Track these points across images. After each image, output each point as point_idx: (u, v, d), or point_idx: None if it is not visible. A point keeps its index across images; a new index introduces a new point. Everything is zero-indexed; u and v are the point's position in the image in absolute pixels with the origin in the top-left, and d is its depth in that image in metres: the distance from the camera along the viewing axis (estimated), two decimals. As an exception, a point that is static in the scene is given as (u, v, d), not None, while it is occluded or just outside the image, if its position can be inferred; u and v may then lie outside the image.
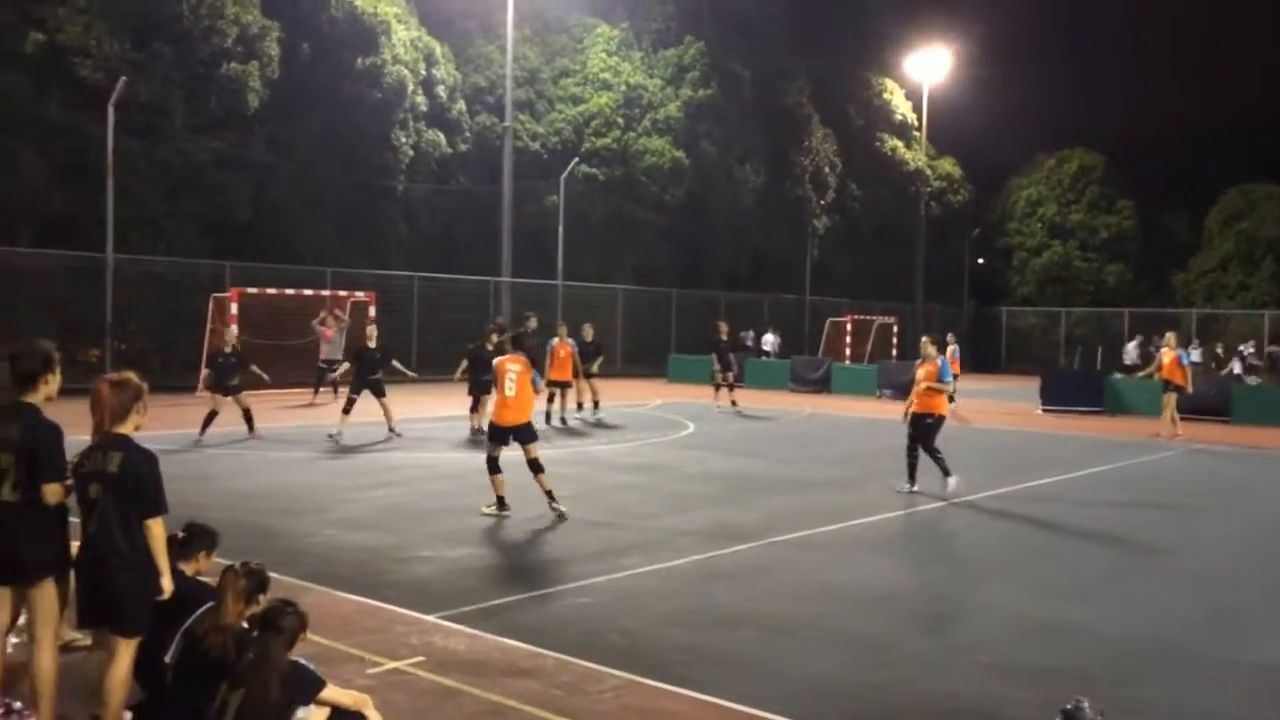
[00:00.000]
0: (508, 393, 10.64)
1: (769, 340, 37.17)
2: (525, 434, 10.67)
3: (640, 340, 35.42)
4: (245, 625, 4.93)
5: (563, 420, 19.02)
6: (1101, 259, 50.80)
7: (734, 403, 22.80)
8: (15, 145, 22.21)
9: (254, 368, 16.84)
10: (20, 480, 4.89)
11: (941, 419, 12.95)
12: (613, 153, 35.07)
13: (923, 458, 12.73)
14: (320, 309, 23.52)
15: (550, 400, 18.91)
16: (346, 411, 16.01)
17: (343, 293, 25.59)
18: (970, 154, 52.98)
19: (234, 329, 15.86)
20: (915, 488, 12.66)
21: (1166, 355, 20.23)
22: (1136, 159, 50.47)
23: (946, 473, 12.57)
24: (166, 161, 24.39)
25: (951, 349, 25.66)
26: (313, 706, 4.61)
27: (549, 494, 10.62)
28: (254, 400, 15.96)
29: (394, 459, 14.46)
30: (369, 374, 16.27)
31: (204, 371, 15.40)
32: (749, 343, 36.91)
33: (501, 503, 10.67)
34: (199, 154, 24.65)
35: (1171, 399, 19.99)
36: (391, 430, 16.29)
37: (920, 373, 12.91)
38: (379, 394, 16.28)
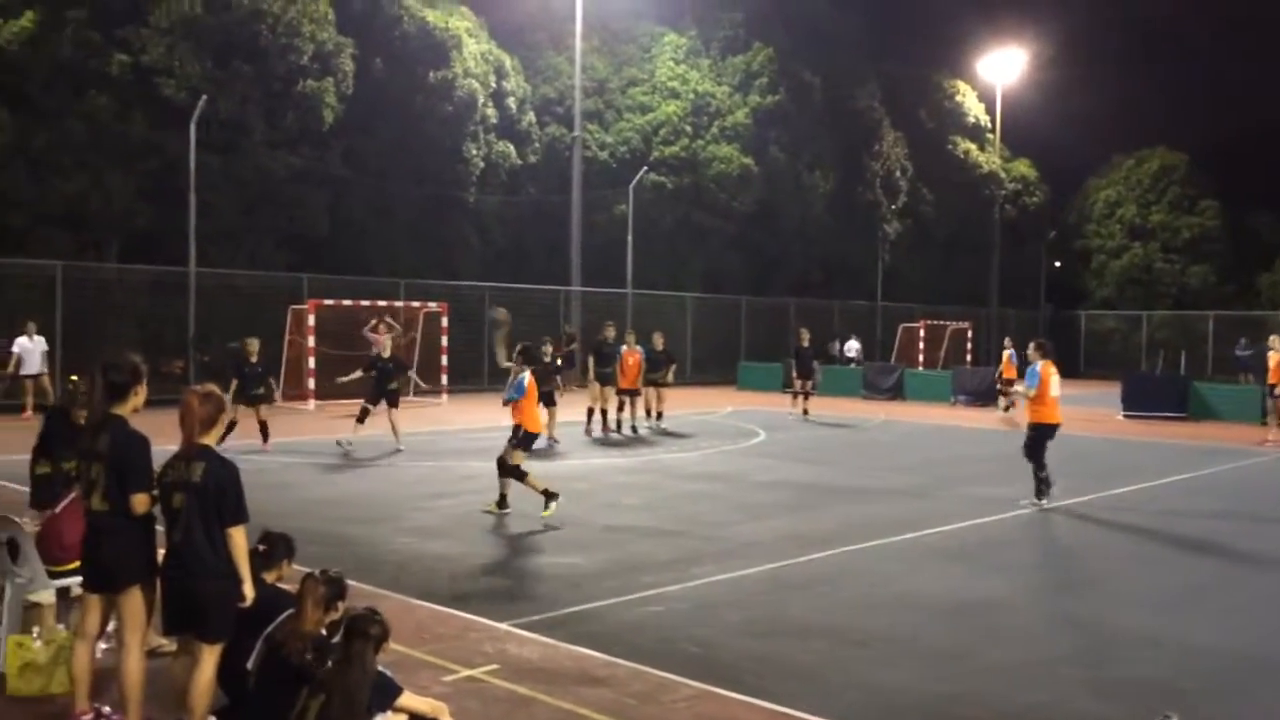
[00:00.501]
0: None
1: (852, 347, 37.02)
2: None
3: (710, 348, 35.34)
4: (324, 632, 5.03)
5: (633, 429, 19.00)
6: (1184, 260, 49.42)
7: (805, 411, 22.63)
8: (102, 164, 22.93)
9: (270, 380, 16.59)
10: (109, 490, 5.04)
11: (1034, 427, 12.37)
12: (681, 161, 35.08)
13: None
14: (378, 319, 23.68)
15: (620, 409, 18.95)
16: (360, 420, 15.80)
17: (415, 304, 25.95)
18: (1046, 155, 51.99)
19: (255, 341, 15.78)
20: (1043, 501, 12.24)
21: (1273, 358, 19.57)
22: (1220, 158, 49.00)
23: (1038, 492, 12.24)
24: (245, 177, 24.98)
25: (1008, 354, 25.37)
26: (390, 713, 4.68)
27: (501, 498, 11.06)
28: (329, 410, 16.24)
29: (466, 468, 14.60)
30: (386, 384, 16.05)
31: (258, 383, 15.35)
32: (836, 351, 36.80)
33: (548, 497, 10.93)
34: (277, 169, 25.20)
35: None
36: (399, 447, 16.00)
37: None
38: (393, 405, 16.06)
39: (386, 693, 4.70)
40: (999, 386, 25.23)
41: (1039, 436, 12.24)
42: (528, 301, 30.42)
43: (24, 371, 19.46)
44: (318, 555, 8.06)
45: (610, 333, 18.87)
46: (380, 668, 4.78)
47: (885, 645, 6.97)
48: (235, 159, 24.57)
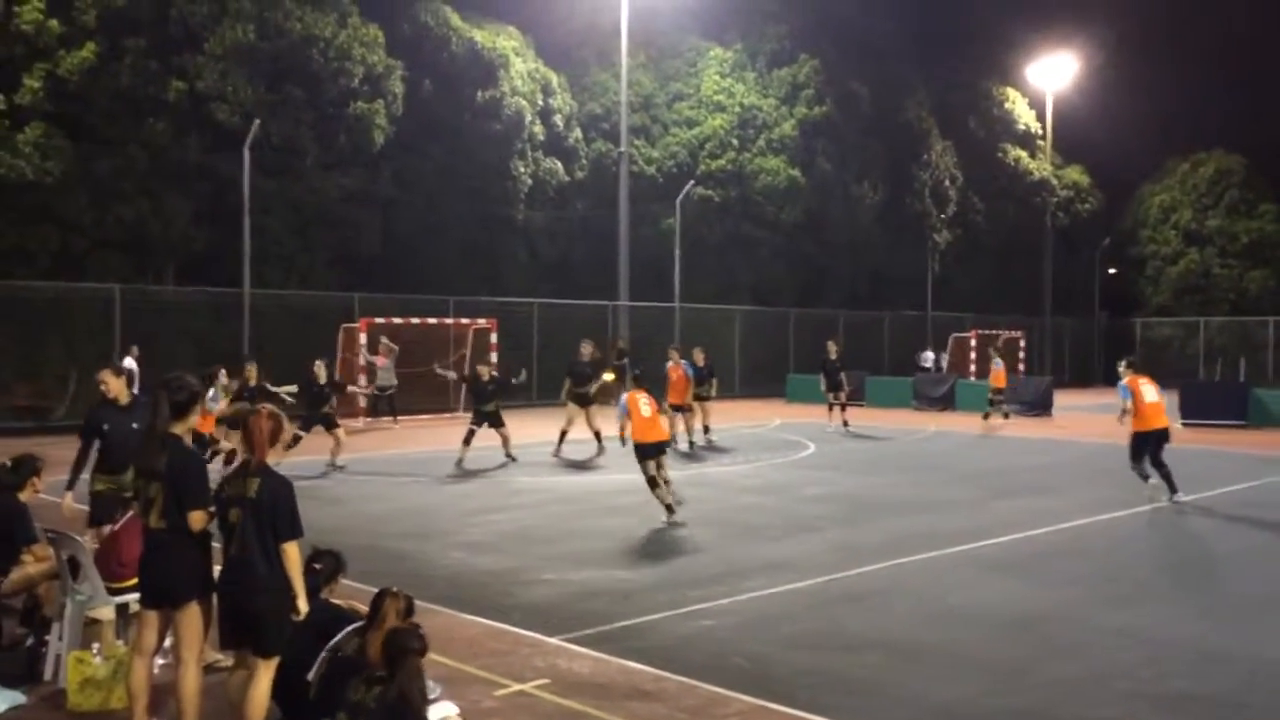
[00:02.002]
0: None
1: (928, 358, 36.83)
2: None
3: (759, 360, 35.21)
4: None
5: (690, 444, 18.87)
6: (1242, 265, 48.41)
7: (845, 423, 22.46)
8: (160, 188, 23.44)
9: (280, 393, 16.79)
10: (167, 508, 5.14)
11: (1134, 435, 13.27)
12: (728, 174, 35.07)
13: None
14: (443, 339, 23.98)
15: (672, 425, 18.86)
16: (467, 442, 16.19)
17: (465, 320, 26.16)
18: (1098, 162, 51.17)
19: (321, 364, 16.20)
20: (1175, 496, 13.00)
21: None
22: (1278, 161, 47.95)
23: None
24: (298, 199, 25.39)
25: (999, 366, 25.27)
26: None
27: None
28: (379, 426, 16.41)
29: (516, 483, 14.67)
30: (484, 406, 16.39)
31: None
32: (926, 364, 36.66)
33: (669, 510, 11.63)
34: (329, 190, 25.59)
35: None
36: (509, 455, 16.44)
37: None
38: (495, 426, 16.35)
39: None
40: (989, 396, 25.12)
41: (1137, 444, 13.18)
42: (576, 317, 30.57)
43: None
44: (370, 571, 8.15)
45: (586, 351, 17.91)
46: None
47: (940, 659, 6.88)
48: (288, 181, 24.98)
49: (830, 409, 22.82)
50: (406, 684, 4.63)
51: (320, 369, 16.19)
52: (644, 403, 11.81)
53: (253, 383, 15.27)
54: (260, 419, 5.19)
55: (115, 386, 7.72)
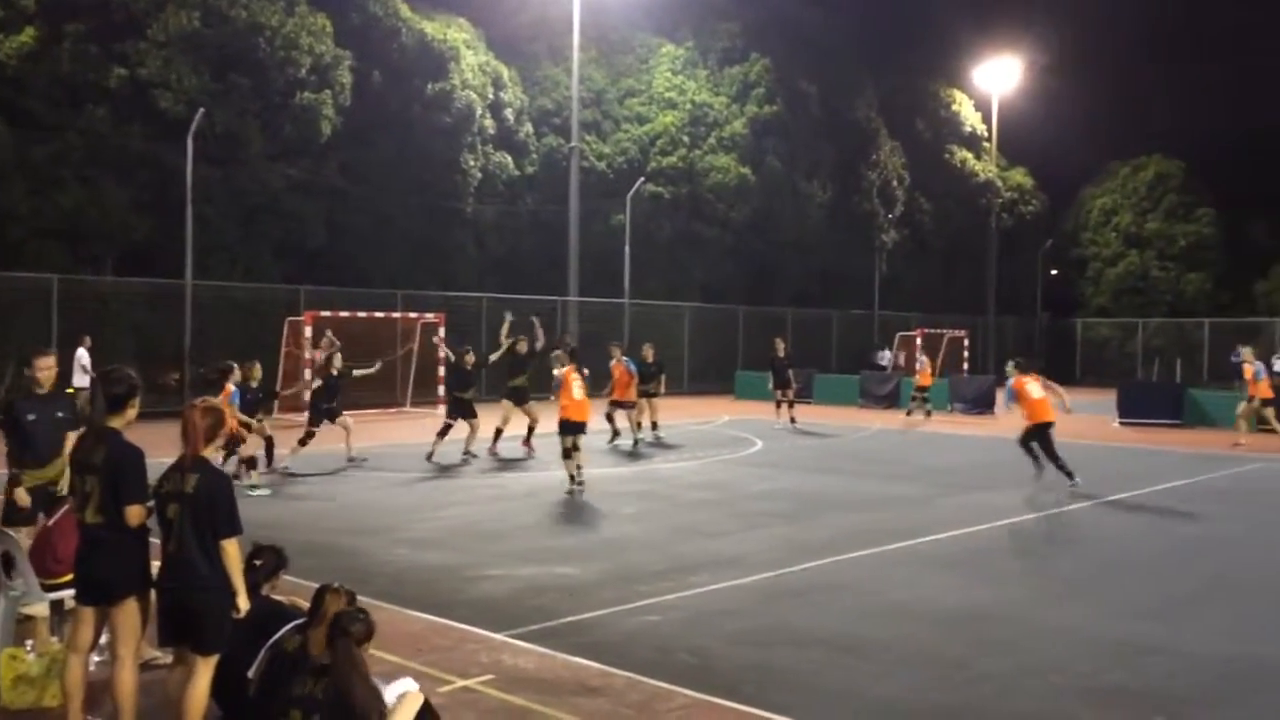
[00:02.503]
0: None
1: (885, 356, 37.20)
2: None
3: (708, 357, 35.37)
4: None
5: (636, 441, 18.81)
6: (1180, 268, 49.53)
7: (793, 419, 22.66)
8: (99, 176, 22.97)
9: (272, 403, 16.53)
10: (104, 502, 5.05)
11: (1026, 428, 14.49)
12: (678, 171, 35.16)
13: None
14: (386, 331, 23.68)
15: (610, 420, 18.87)
16: (441, 435, 16.20)
17: (413, 314, 25.96)
18: (1042, 164, 52.05)
19: (258, 365, 15.76)
20: (1073, 482, 13.94)
21: (1247, 370, 20.51)
22: (1216, 166, 49.04)
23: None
24: (243, 189, 25.02)
25: (924, 365, 26.08)
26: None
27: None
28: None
29: (464, 479, 14.60)
30: (462, 393, 16.44)
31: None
32: (883, 362, 36.97)
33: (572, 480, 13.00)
34: (274, 181, 25.25)
35: (1248, 406, 20.24)
36: (468, 452, 16.34)
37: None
38: (469, 415, 16.36)
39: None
40: (913, 393, 25.89)
41: (1026, 434, 14.37)
42: (525, 311, 30.45)
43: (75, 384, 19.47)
44: (313, 567, 8.07)
45: (523, 347, 17.09)
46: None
47: (881, 654, 6.98)
48: (233, 171, 24.61)
49: (778, 406, 23.00)
50: (344, 670, 4.58)
51: (256, 370, 15.72)
52: (577, 384, 13.21)
53: (255, 383, 14.60)
54: (195, 413, 5.11)
55: (47, 375, 7.36)
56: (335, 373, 15.85)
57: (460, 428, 16.41)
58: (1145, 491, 14.36)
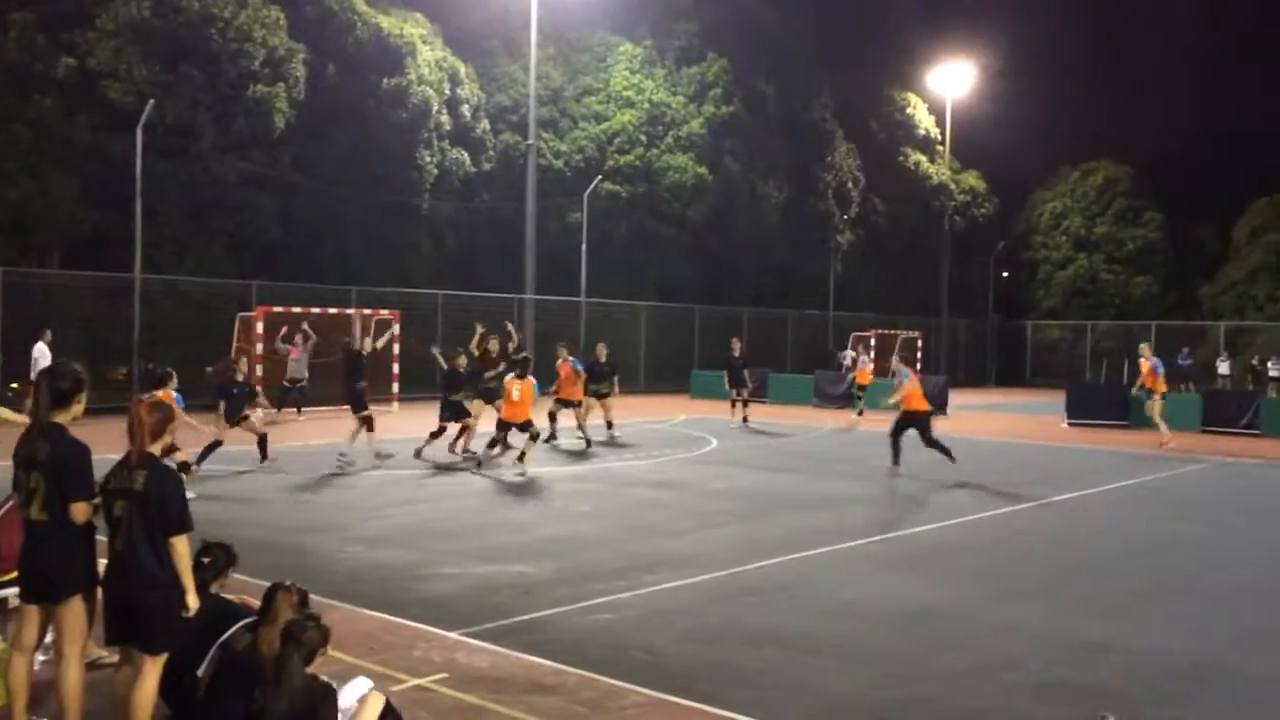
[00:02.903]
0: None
1: (848, 356, 37.46)
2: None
3: (664, 357, 35.43)
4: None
5: (586, 440, 18.71)
6: (1128, 271, 50.44)
7: (745, 419, 22.82)
8: (46, 168, 22.52)
9: (261, 398, 16.47)
10: (49, 499, 4.95)
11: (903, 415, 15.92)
12: (636, 170, 35.18)
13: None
14: (299, 327, 23.12)
15: (553, 419, 18.88)
16: (434, 436, 16.26)
17: (367, 310, 25.73)
18: (994, 167, 52.77)
19: (244, 360, 15.67)
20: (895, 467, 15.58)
21: (1144, 365, 21.10)
22: (1163, 170, 50.04)
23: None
24: (194, 182, 24.66)
25: (867, 364, 27.02)
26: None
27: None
28: (288, 416, 15.99)
29: (417, 477, 14.50)
30: (453, 394, 16.32)
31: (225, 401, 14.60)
32: (846, 361, 37.16)
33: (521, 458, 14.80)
34: (226, 174, 24.91)
35: (1156, 405, 20.74)
36: (468, 451, 16.29)
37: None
38: (461, 416, 16.29)
39: (327, 704, 4.65)
40: (854, 392, 26.57)
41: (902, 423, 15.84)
42: (481, 309, 30.30)
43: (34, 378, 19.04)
44: (266, 565, 7.98)
45: (494, 347, 17.35)
46: (328, 679, 4.75)
47: (835, 652, 7.03)
48: (184, 164, 24.24)
49: (733, 405, 23.10)
50: (288, 681, 4.52)
51: (243, 364, 15.81)
52: (516, 389, 15.13)
53: (241, 377, 14.78)
54: (143, 409, 5.02)
55: None
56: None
57: (453, 429, 16.44)
58: (1093, 491, 14.59)
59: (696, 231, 36.57)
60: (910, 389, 15.67)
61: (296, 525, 10.82)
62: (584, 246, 32.29)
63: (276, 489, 13.15)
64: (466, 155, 31.39)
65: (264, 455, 14.69)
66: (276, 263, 26.40)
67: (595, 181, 32.88)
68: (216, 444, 13.89)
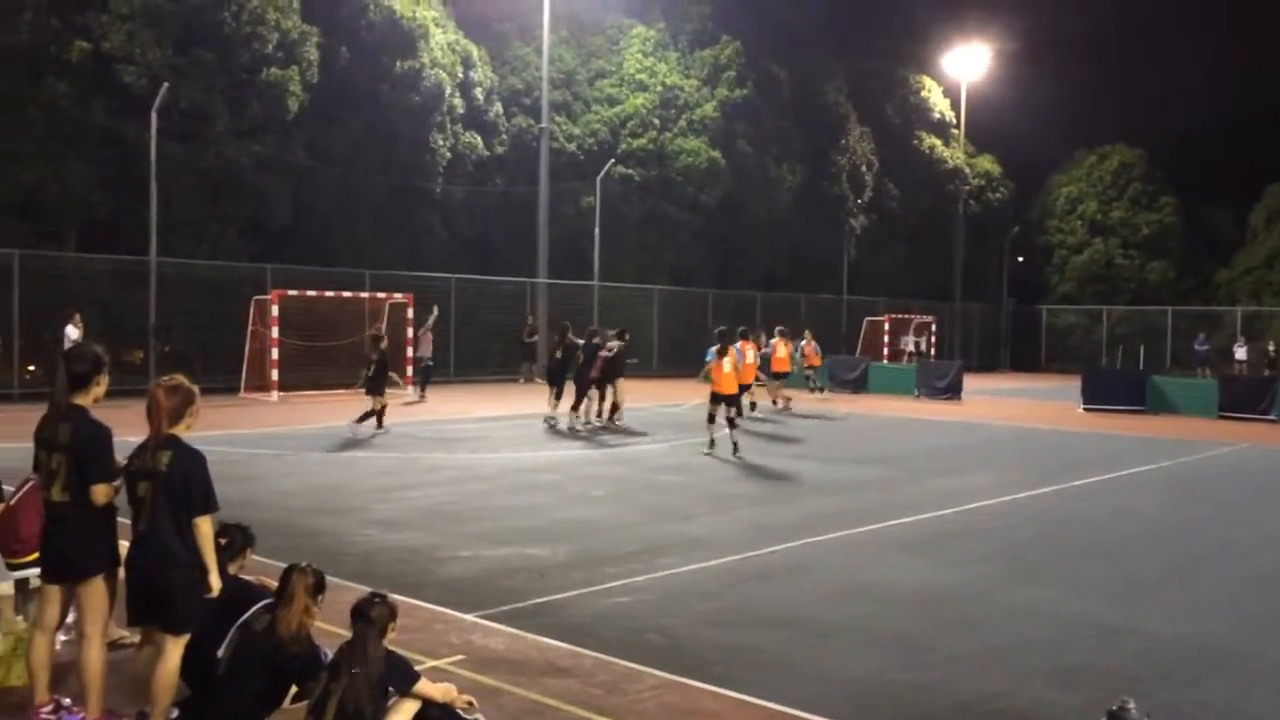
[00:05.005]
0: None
1: (910, 341, 37.46)
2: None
3: (677, 341, 35.38)
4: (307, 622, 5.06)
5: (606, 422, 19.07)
6: (1143, 256, 50.14)
7: (754, 405, 22.98)
8: (61, 152, 22.56)
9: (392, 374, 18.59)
10: (69, 481, 4.99)
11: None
12: (649, 154, 35.06)
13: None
14: (352, 310, 23.66)
15: (564, 403, 19.10)
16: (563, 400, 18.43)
17: (381, 294, 25.79)
18: (1009, 151, 52.47)
19: (385, 339, 17.72)
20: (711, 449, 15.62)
21: (782, 348, 23.44)
22: (1179, 155, 49.70)
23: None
24: (208, 166, 24.67)
25: (808, 344, 26.96)
26: (407, 699, 4.73)
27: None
28: (292, 401, 16.10)
29: (433, 460, 14.55)
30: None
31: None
32: (909, 348, 37.14)
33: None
34: (240, 158, 24.91)
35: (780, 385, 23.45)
36: (611, 420, 18.71)
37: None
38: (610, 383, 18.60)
39: (403, 676, 4.74)
40: (806, 373, 26.60)
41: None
42: (493, 293, 30.36)
43: None
44: (282, 547, 8.04)
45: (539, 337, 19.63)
46: (399, 652, 4.86)
47: (849, 635, 7.04)
48: (197, 148, 24.25)
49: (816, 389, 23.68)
50: (367, 658, 4.60)
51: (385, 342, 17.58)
52: (727, 363, 15.81)
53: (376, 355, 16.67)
54: (161, 392, 5.04)
55: None
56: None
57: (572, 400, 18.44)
58: (1109, 476, 14.56)
59: (709, 215, 36.46)
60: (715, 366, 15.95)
61: (311, 507, 10.87)
62: (597, 230, 32.24)
63: (288, 470, 13.21)
64: (479, 139, 31.34)
65: (380, 424, 16.67)
66: (290, 246, 26.44)
67: (608, 165, 32.80)
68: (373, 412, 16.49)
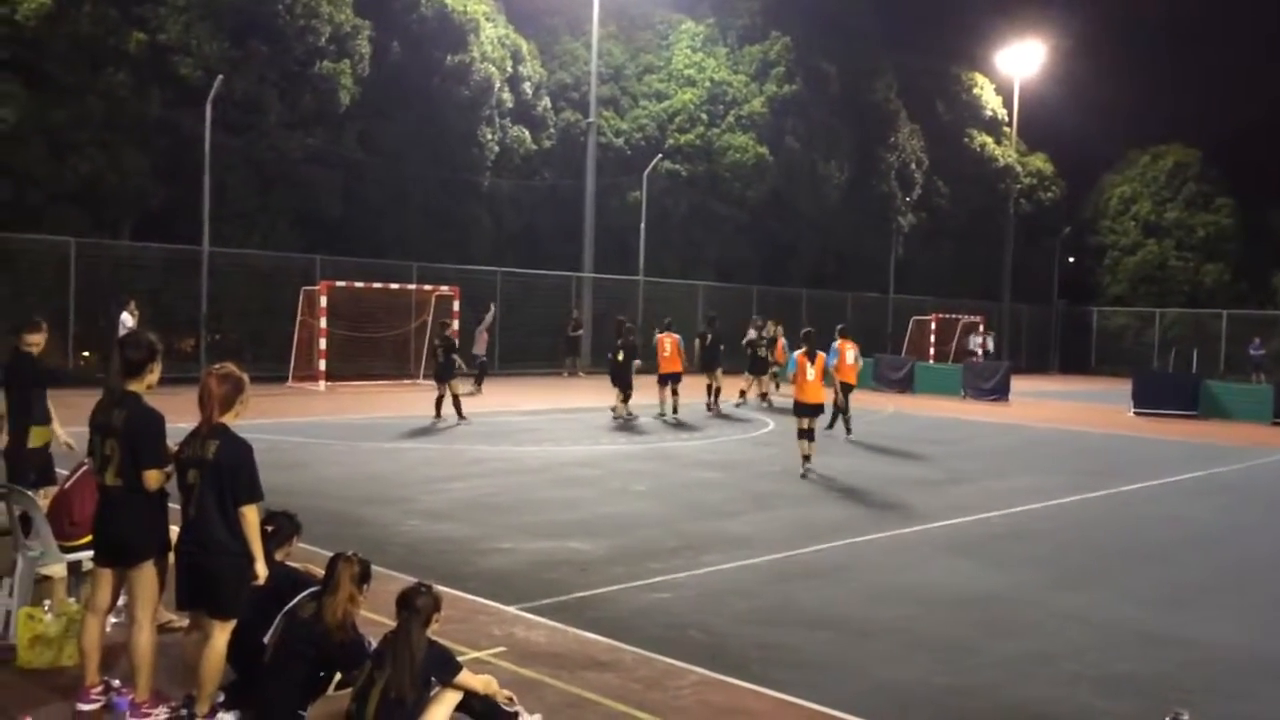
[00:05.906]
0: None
1: (976, 340, 37.23)
2: None
3: (721, 336, 35.20)
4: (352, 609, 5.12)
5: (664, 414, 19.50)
6: (1198, 258, 49.17)
7: (763, 395, 23.26)
8: (118, 141, 22.96)
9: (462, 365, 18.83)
10: (123, 466, 5.08)
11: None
12: (696, 149, 35.00)
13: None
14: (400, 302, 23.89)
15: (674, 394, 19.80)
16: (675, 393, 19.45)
17: (428, 287, 25.98)
18: (1062, 150, 51.70)
19: (455, 324, 18.68)
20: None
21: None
22: (1235, 155, 48.62)
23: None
24: (261, 157, 25.00)
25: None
26: (448, 690, 4.79)
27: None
28: (339, 390, 16.27)
29: (476, 451, 14.64)
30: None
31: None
32: (976, 349, 36.92)
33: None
34: (292, 150, 25.21)
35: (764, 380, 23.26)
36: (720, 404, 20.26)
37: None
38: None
39: (446, 667, 4.79)
40: (773, 369, 25.88)
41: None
42: (539, 286, 30.47)
43: None
44: (327, 535, 8.13)
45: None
46: (442, 642, 4.91)
47: (891, 637, 6.98)
48: (251, 139, 24.58)
49: (747, 386, 23.43)
50: (411, 647, 4.65)
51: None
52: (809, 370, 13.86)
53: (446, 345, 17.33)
54: (213, 380, 5.11)
55: (37, 349, 7.60)
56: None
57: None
58: (1159, 482, 14.32)
59: (756, 211, 36.31)
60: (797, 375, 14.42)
61: (355, 496, 10.98)
62: (643, 225, 32.25)
63: (335, 459, 13.36)
64: (527, 133, 31.46)
65: (459, 413, 17.29)
66: (340, 238, 26.72)
67: (655, 160, 32.78)
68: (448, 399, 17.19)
